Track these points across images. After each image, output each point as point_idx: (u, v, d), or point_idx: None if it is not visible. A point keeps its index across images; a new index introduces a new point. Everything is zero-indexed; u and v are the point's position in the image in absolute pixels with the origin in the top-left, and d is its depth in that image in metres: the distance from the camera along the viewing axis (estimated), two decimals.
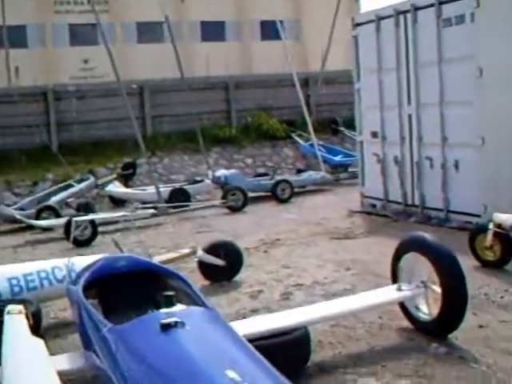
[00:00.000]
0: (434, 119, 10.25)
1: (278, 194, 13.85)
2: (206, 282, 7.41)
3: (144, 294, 4.65)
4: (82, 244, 10.37)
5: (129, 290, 4.66)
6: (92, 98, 18.55)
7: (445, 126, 10.09)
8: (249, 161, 18.12)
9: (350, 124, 20.14)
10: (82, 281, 4.46)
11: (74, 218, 10.39)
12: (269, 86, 20.82)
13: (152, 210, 12.33)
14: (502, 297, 6.46)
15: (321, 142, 17.87)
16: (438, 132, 10.16)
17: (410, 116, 10.82)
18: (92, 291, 4.60)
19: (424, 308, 5.46)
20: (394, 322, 5.83)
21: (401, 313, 5.70)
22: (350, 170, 17.20)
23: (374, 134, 11.75)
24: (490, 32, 9.26)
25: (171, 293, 3.81)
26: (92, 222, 10.62)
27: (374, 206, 11.96)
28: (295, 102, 20.59)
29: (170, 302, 3.72)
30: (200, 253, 7.35)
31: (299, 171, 16.62)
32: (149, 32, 33.62)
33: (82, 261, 5.76)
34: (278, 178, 14.78)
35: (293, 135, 19.16)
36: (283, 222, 11.41)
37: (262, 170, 17.39)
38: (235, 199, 13.06)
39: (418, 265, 5.46)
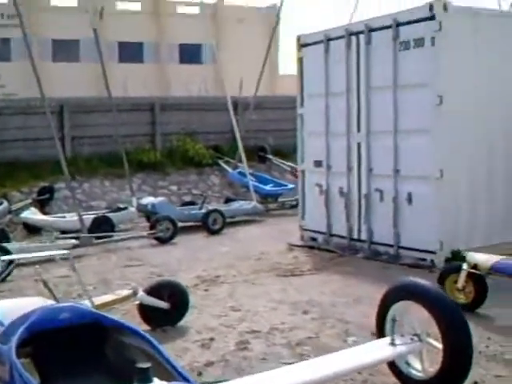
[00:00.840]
0: (385, 149, 9.63)
1: (210, 225, 12.90)
2: (147, 327, 6.38)
3: (92, 354, 3.63)
4: None
5: (73, 349, 3.64)
6: (5, 116, 17.06)
7: (398, 156, 9.48)
8: (174, 188, 17.09)
9: (278, 151, 19.64)
10: (14, 339, 3.40)
11: None
12: (195, 109, 19.91)
13: (74, 241, 11.13)
14: (487, 346, 5.79)
15: (250, 170, 17.07)
16: (391, 162, 9.54)
17: (359, 144, 10.18)
18: (26, 349, 3.55)
19: (417, 364, 4.67)
20: (377, 377, 5.02)
21: (384, 367, 4.90)
22: (280, 199, 16.51)
23: (318, 163, 11.04)
24: (451, 57, 8.75)
25: (146, 364, 2.82)
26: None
27: (314, 239, 11.22)
28: (222, 127, 19.87)
29: (145, 379, 2.72)
30: (141, 294, 6.34)
31: (228, 200, 15.73)
32: (65, 50, 32.34)
33: (5, 306, 4.65)
34: (209, 207, 13.85)
35: (220, 162, 18.29)
36: (219, 256, 10.48)
37: (188, 198, 16.39)
38: (164, 229, 12.03)
39: (411, 315, 4.68)
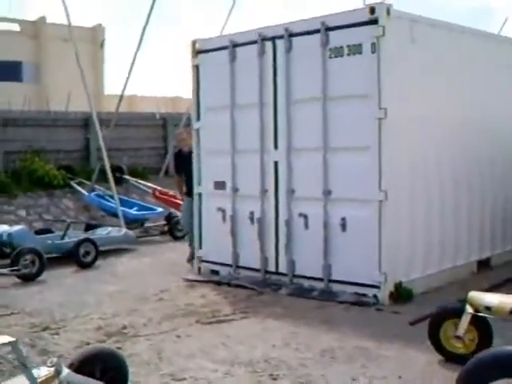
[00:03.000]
0: (312, 168, 8.36)
1: (81, 257, 10.89)
2: None
3: None
4: None
5: None
6: None
7: (329, 176, 8.21)
8: (22, 213, 14.65)
9: (134, 172, 17.82)
10: None
11: None
12: (42, 125, 17.56)
13: None
14: None
15: (109, 192, 15.13)
16: (320, 184, 8.26)
17: (276, 163, 8.80)
18: None
19: None
20: None
21: None
22: (146, 225, 14.73)
23: (220, 185, 9.53)
24: (395, 66, 7.65)
25: None
26: None
27: (215, 272, 9.67)
28: (73, 145, 17.75)
29: None
30: (67, 373, 4.45)
31: (89, 227, 13.65)
32: None
33: None
34: (72, 235, 11.78)
35: (72, 183, 16.10)
36: (109, 298, 8.60)
37: (39, 225, 14.11)
38: (29, 264, 9.88)
39: None
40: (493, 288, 8.03)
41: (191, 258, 10.37)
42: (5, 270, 9.80)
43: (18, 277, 9.80)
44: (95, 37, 43.33)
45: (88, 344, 6.44)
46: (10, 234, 11.00)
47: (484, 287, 8.07)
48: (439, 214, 8.51)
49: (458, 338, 5.54)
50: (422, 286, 8.10)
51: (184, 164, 10.57)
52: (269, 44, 8.76)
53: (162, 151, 20.23)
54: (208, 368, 5.70)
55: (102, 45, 41.90)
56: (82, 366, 4.63)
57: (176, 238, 13.66)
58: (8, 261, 10.09)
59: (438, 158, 8.40)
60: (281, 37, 8.58)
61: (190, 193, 10.36)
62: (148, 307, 8.01)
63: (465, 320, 5.47)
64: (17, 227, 11.55)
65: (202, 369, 5.69)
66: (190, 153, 10.07)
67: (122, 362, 4.90)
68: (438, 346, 5.72)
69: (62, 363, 4.47)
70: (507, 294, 5.66)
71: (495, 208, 9.71)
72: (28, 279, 9.79)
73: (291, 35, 8.49)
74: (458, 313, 5.56)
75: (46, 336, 6.89)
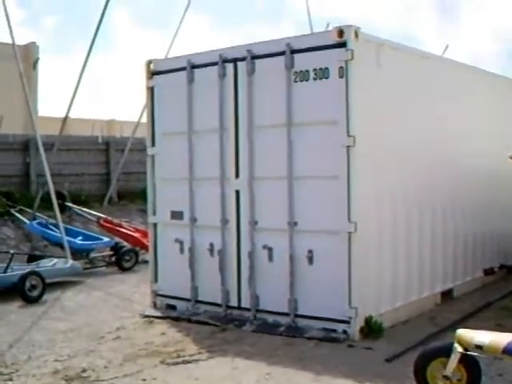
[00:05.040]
0: (276, 198, 8.09)
1: (27, 292, 10.27)
2: None
3: None
4: None
5: None
6: None
7: (294, 206, 7.94)
8: None
9: (76, 199, 17.17)
10: None
11: None
12: None
13: None
14: None
15: (51, 220, 14.48)
16: (284, 215, 7.97)
17: (237, 192, 8.48)
18: None
19: None
20: None
21: None
22: (91, 255, 14.11)
23: (177, 215, 9.14)
24: (364, 91, 7.45)
25: None
26: None
27: (172, 307, 9.24)
28: (12, 169, 17.06)
29: None
30: None
31: (32, 258, 12.98)
32: None
33: None
34: (23, 267, 11.16)
35: (12, 211, 15.37)
36: (62, 336, 8.06)
37: None
38: None
39: None
40: (464, 319, 7.94)
41: None
42: None
43: None
44: (28, 55, 42.22)
45: None
46: None
47: (453, 319, 7.98)
48: (406, 245, 8.36)
49: (446, 377, 5.29)
50: (390, 319, 7.90)
51: None
52: (230, 66, 8.46)
53: (104, 177, 19.67)
54: None
55: (35, 64, 40.77)
56: None
57: (124, 269, 13.12)
58: None
59: (405, 187, 8.25)
60: (243, 59, 8.29)
61: None
62: (106, 347, 7.52)
63: (454, 359, 5.23)
64: None
65: None
66: None
67: None
68: None
69: None
70: (484, 326, 5.50)
71: (457, 239, 9.64)
72: None
73: (254, 57, 8.22)
74: (445, 352, 5.32)
75: None
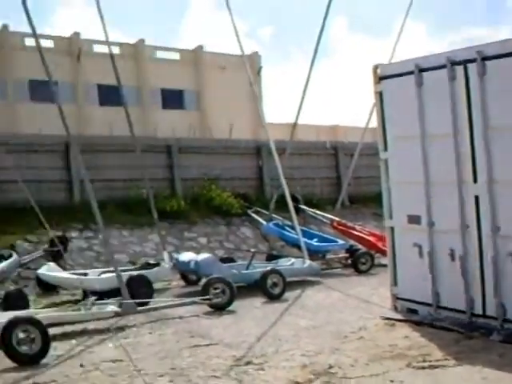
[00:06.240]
0: None
1: (268, 288, 10.73)
2: None
3: None
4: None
5: None
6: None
7: None
8: (203, 240, 14.89)
9: (308, 202, 17.63)
10: None
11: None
12: (214, 153, 17.94)
13: (113, 307, 8.89)
14: None
15: (287, 222, 15.01)
16: None
17: (476, 197, 8.14)
18: None
19: None
20: None
21: None
22: (328, 257, 14.41)
23: (414, 219, 8.98)
24: None
25: None
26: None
27: (413, 311, 9.11)
28: (246, 173, 17.96)
29: None
30: None
31: (271, 257, 13.56)
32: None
33: None
34: (263, 265, 11.72)
35: (249, 212, 16.18)
36: (306, 333, 8.31)
37: (219, 252, 14.23)
38: (220, 294, 9.85)
39: None
40: None
41: None
42: (196, 299, 9.82)
43: (210, 306, 9.77)
44: (252, 64, 44.39)
45: (298, 383, 6.16)
46: (197, 263, 11.09)
47: None
48: None
49: None
50: None
51: None
52: (459, 68, 8.16)
53: (334, 181, 20.02)
54: None
55: (259, 72, 42.41)
56: None
57: (360, 272, 13.24)
58: (194, 288, 10.12)
59: None
60: (473, 60, 7.97)
61: None
62: (350, 346, 7.61)
63: None
64: (204, 256, 11.60)
65: None
66: None
67: None
68: None
69: None
70: None
71: None
72: (218, 309, 9.74)
73: (484, 58, 7.87)
74: None
75: (251, 371, 6.68)
